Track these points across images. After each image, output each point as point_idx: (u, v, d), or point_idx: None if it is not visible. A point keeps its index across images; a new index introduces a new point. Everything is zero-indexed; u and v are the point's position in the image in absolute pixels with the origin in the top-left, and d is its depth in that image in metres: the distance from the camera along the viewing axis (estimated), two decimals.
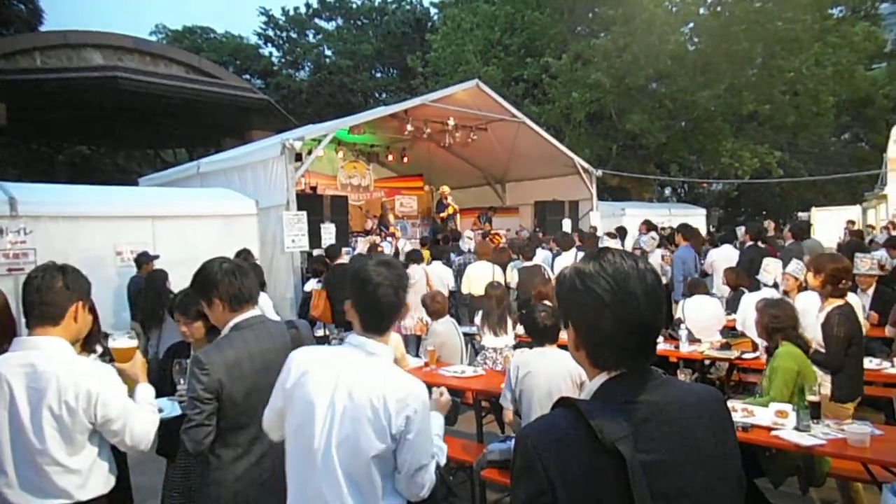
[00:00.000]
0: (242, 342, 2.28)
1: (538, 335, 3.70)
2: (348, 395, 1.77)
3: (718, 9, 17.07)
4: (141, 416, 2.12)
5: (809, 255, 6.24)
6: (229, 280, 2.33)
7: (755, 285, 6.01)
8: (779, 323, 3.67)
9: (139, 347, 2.40)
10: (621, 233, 10.43)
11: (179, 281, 6.42)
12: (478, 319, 5.72)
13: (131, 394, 2.19)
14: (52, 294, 2.05)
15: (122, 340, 2.32)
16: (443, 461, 2.03)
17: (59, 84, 14.13)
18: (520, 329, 5.84)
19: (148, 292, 6.32)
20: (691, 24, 17.97)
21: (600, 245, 8.68)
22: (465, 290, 7.77)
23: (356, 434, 1.75)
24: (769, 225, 12.86)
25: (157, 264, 6.92)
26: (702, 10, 17.32)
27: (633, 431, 1.04)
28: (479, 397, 4.51)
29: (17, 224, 6.49)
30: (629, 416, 1.06)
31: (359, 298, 1.87)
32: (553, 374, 3.43)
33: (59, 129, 19.54)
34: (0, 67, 13.46)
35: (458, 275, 8.16)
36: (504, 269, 8.04)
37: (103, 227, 7.29)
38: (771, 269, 5.90)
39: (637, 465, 1.01)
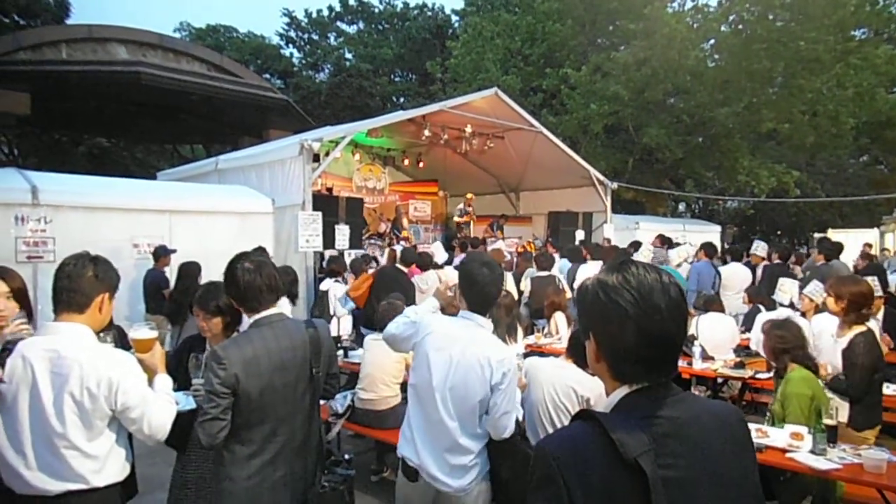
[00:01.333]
0: (261, 339, 2.30)
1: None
2: (461, 353, 2.46)
3: (740, 27, 16.98)
4: (159, 405, 2.14)
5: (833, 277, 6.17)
6: (249, 277, 2.35)
7: (773, 304, 5.97)
8: (785, 344, 3.61)
9: (159, 339, 2.42)
10: (635, 247, 10.39)
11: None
12: None
13: (150, 384, 2.21)
14: (81, 282, 2.08)
15: (142, 331, 2.34)
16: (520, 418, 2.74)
17: (83, 77, 14.30)
18: (530, 338, 5.85)
19: (180, 284, 6.31)
20: (712, 41, 17.89)
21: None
22: None
23: (465, 381, 2.43)
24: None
25: (173, 258, 6.99)
26: (723, 28, 17.25)
27: (653, 446, 1.03)
28: None
29: (38, 213, 6.58)
30: (649, 430, 1.06)
31: (468, 291, 2.59)
32: (557, 386, 3.37)
33: (80, 121, 19.77)
34: (26, 58, 13.65)
35: None
36: (519, 279, 8.04)
37: (122, 219, 7.37)
38: (786, 288, 5.85)
39: (658, 480, 1.01)
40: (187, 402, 2.70)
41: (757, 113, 16.63)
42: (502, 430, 2.45)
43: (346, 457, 2.71)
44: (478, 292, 2.55)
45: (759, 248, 9.03)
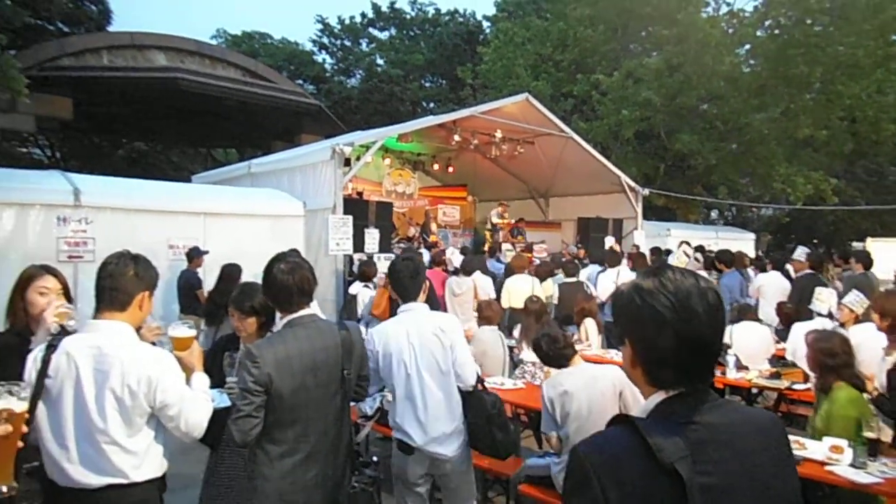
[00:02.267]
0: (294, 339, 2.33)
1: (552, 362, 3.67)
2: (418, 337, 2.90)
3: (776, 31, 16.68)
4: (196, 404, 2.18)
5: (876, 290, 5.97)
6: (283, 277, 2.40)
7: (808, 314, 5.82)
8: (833, 360, 3.43)
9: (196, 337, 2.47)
10: (658, 253, 10.26)
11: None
12: (516, 332, 5.69)
13: (188, 382, 2.25)
14: (123, 281, 2.13)
15: (181, 329, 2.39)
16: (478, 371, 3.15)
17: (124, 82, 14.73)
18: None
19: (220, 285, 6.41)
20: (747, 46, 17.59)
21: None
22: (504, 303, 7.74)
23: (433, 356, 2.89)
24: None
25: (206, 259, 7.11)
26: (759, 33, 16.95)
27: (691, 452, 1.02)
28: (518, 411, 4.48)
29: (80, 214, 6.78)
30: (686, 436, 1.05)
31: (395, 286, 3.07)
32: (592, 390, 3.36)
33: (120, 125, 20.33)
34: (69, 65, 14.10)
35: (499, 287, 8.15)
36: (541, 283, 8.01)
37: (158, 220, 7.54)
38: (824, 297, 5.70)
39: (696, 486, 1.00)
40: (222, 400, 2.75)
41: (794, 119, 16.29)
42: (469, 377, 2.97)
43: (374, 459, 2.76)
44: (401, 287, 3.03)
45: (801, 254, 8.79)
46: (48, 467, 2.04)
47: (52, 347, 2.10)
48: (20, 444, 1.62)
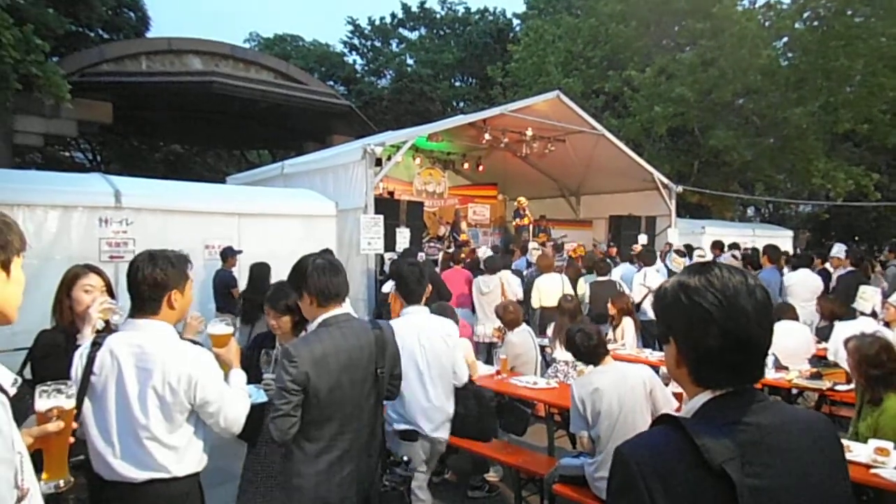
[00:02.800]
0: (329, 338, 2.35)
1: (583, 358, 3.64)
2: (428, 339, 3.25)
3: (816, 23, 16.25)
4: (235, 400, 2.21)
5: None
6: (318, 276, 2.41)
7: (850, 314, 5.66)
8: (878, 370, 3.28)
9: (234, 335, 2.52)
10: (688, 250, 10.07)
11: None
12: (549, 331, 5.65)
13: (225, 378, 2.29)
14: (144, 288, 2.14)
15: (219, 327, 2.43)
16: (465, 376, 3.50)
17: (162, 87, 15.07)
18: None
19: (251, 284, 6.52)
20: (785, 39, 17.18)
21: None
22: (535, 303, 7.67)
23: (438, 356, 3.27)
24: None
25: (241, 259, 7.23)
26: (797, 25, 16.53)
27: (740, 454, 1.00)
28: (552, 411, 4.45)
29: (121, 215, 6.95)
30: (735, 437, 1.02)
31: (401, 289, 3.35)
32: (622, 389, 3.33)
33: (157, 128, 20.84)
34: (109, 70, 14.49)
35: (528, 287, 8.09)
36: (574, 283, 7.93)
37: (195, 221, 7.68)
38: (868, 296, 5.53)
39: (746, 489, 0.97)
40: (258, 396, 2.79)
41: (833, 113, 15.85)
42: (464, 375, 3.38)
43: (405, 458, 2.76)
44: (407, 289, 3.31)
45: (839, 251, 8.55)
46: (94, 461, 2.09)
47: (97, 345, 2.16)
48: (71, 439, 1.66)
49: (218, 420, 2.16)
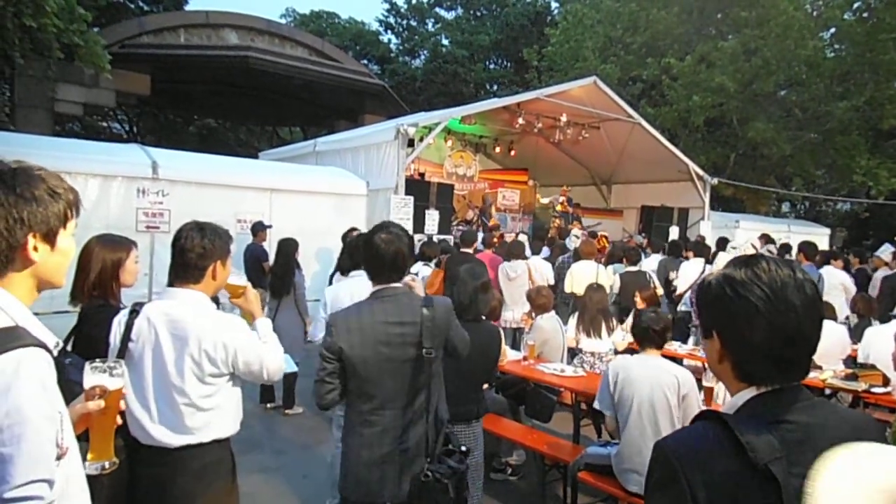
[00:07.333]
0: (369, 311, 2.35)
1: (639, 334, 3.57)
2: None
3: (865, 14, 15.67)
4: (271, 352, 2.28)
5: None
6: (379, 246, 2.40)
7: (886, 316, 5.51)
8: None
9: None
10: (723, 243, 9.89)
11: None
12: (573, 321, 5.61)
13: (252, 327, 2.34)
14: (192, 256, 2.19)
15: (233, 277, 2.40)
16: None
17: (198, 60, 15.20)
18: (618, 335, 5.68)
19: (279, 259, 6.58)
20: (832, 30, 16.60)
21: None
22: (567, 288, 7.64)
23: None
24: None
25: (270, 234, 7.30)
26: (846, 15, 15.96)
27: (785, 453, 0.97)
28: (580, 399, 4.43)
29: (157, 186, 7.08)
30: (780, 435, 1.00)
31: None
32: (655, 383, 3.30)
33: (192, 102, 21.06)
34: (148, 42, 14.67)
35: (561, 272, 8.04)
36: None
37: (228, 195, 7.79)
38: None
39: (792, 490, 0.94)
40: (289, 365, 2.84)
41: (879, 108, 15.33)
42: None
43: (464, 448, 2.48)
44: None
45: (886, 251, 8.24)
46: (131, 426, 2.14)
47: (134, 312, 2.21)
48: (118, 420, 1.62)
49: (262, 374, 2.25)
